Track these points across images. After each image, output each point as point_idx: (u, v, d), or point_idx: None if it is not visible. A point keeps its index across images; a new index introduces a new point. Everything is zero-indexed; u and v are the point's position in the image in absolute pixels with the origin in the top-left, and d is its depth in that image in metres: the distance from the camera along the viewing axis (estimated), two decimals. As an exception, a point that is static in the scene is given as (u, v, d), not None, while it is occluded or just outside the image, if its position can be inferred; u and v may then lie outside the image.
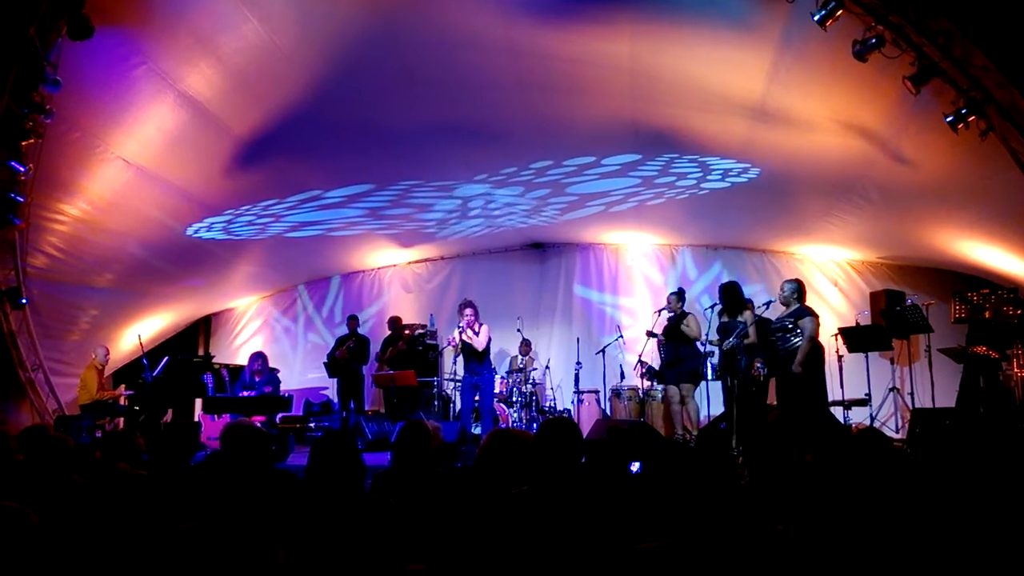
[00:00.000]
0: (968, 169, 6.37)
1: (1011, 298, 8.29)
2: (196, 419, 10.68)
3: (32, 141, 6.82)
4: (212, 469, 3.76)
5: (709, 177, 8.95)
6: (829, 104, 6.40)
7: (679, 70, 6.43)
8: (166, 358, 9.63)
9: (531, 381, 10.42)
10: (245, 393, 9.80)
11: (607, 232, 11.44)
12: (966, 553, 1.87)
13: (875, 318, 9.40)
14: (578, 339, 10.81)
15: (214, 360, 10.82)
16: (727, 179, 8.90)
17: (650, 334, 9.06)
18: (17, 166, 6.89)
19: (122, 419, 9.37)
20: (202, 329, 13.34)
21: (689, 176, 9.05)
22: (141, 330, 10.19)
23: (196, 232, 9.64)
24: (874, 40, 5.03)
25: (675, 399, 8.80)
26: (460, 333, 8.74)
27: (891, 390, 9.19)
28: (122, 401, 9.59)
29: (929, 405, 8.50)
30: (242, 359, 11.55)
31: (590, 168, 8.99)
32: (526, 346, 10.91)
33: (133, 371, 10.25)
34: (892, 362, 9.48)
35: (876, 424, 8.71)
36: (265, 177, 8.63)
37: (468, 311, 8.76)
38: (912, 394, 8.96)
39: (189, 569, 1.23)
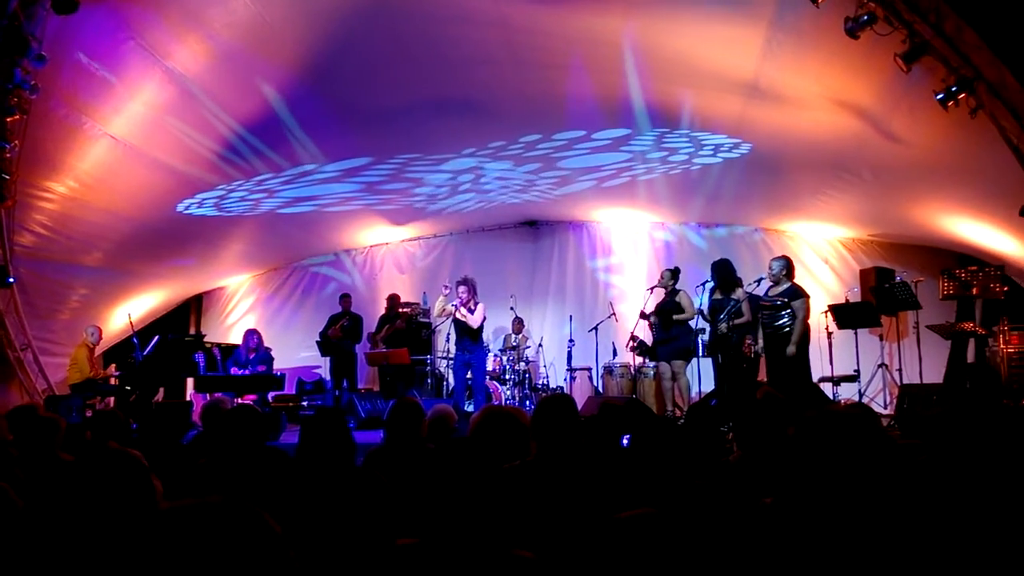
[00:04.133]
0: (958, 147, 6.37)
1: (998, 275, 8.36)
2: (188, 398, 10.68)
3: (17, 117, 6.74)
4: (202, 447, 3.79)
5: (700, 152, 8.94)
6: (821, 81, 6.39)
7: (672, 47, 6.40)
8: (156, 337, 9.58)
9: (524, 359, 10.46)
10: (235, 371, 9.79)
11: (599, 209, 11.44)
12: (950, 526, 1.90)
13: (865, 295, 9.45)
14: (571, 317, 10.85)
15: (205, 339, 10.80)
16: (719, 155, 8.89)
17: (643, 315, 8.88)
18: (2, 143, 6.83)
19: (112, 399, 9.36)
20: (193, 308, 13.28)
21: (680, 151, 9.03)
22: (131, 309, 10.14)
23: (187, 209, 9.55)
24: (866, 17, 5.01)
25: (667, 376, 8.84)
26: (455, 310, 8.74)
27: (880, 366, 9.26)
28: (112, 381, 9.56)
29: (917, 381, 8.58)
30: (234, 338, 11.53)
31: (581, 142, 8.95)
32: (519, 324, 10.93)
33: (123, 351, 10.21)
34: (881, 339, 9.54)
35: (864, 400, 8.78)
36: (256, 153, 8.55)
37: (462, 289, 8.74)
38: (900, 370, 9.03)
39: (182, 545, 1.23)
